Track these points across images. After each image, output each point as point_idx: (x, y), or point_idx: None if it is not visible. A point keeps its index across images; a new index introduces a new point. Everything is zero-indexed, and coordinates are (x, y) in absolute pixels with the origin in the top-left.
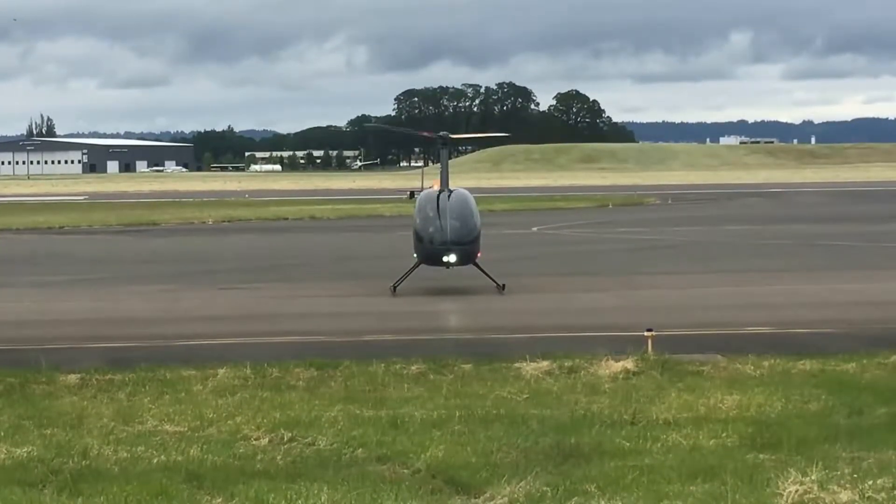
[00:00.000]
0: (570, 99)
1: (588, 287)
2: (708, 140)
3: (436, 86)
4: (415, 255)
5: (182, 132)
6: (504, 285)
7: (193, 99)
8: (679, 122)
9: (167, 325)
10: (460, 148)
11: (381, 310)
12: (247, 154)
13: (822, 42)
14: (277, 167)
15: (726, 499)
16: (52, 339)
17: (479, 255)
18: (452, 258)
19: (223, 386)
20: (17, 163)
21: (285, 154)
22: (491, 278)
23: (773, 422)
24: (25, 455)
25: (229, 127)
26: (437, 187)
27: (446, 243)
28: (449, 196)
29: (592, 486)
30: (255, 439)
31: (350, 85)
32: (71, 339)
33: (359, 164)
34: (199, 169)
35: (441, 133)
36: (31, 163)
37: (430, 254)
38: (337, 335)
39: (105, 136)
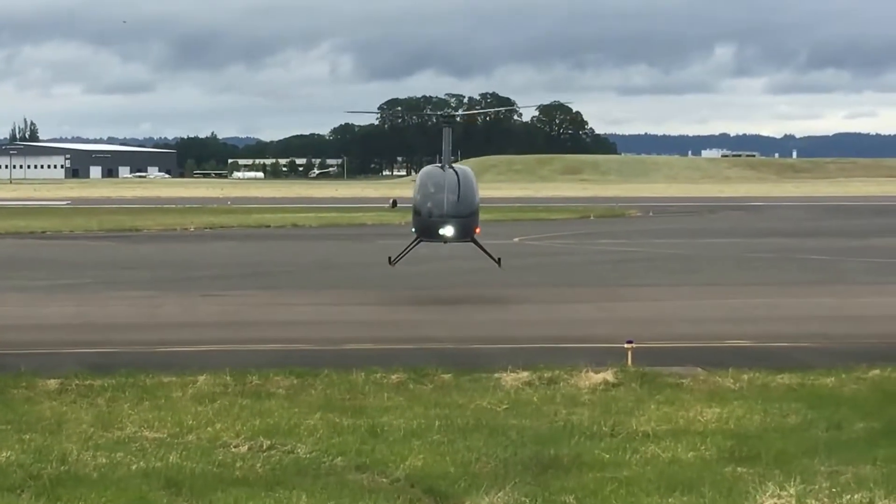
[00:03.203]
0: (553, 110)
1: (569, 298)
2: (690, 153)
3: (419, 95)
4: (413, 230)
5: (165, 138)
6: (500, 259)
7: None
8: (662, 134)
9: (148, 332)
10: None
11: (362, 318)
12: (229, 161)
13: (805, 57)
14: (260, 175)
15: None
16: (32, 344)
17: (477, 230)
18: (449, 231)
19: (203, 393)
20: (0, 167)
21: (268, 161)
22: (488, 254)
23: (752, 435)
24: (4, 460)
25: (212, 134)
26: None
27: (443, 216)
28: (448, 172)
29: (571, 497)
30: (235, 447)
31: (334, 93)
32: (51, 344)
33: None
34: (181, 175)
35: (444, 111)
36: (14, 167)
37: (426, 227)
38: (318, 343)
39: (88, 141)
